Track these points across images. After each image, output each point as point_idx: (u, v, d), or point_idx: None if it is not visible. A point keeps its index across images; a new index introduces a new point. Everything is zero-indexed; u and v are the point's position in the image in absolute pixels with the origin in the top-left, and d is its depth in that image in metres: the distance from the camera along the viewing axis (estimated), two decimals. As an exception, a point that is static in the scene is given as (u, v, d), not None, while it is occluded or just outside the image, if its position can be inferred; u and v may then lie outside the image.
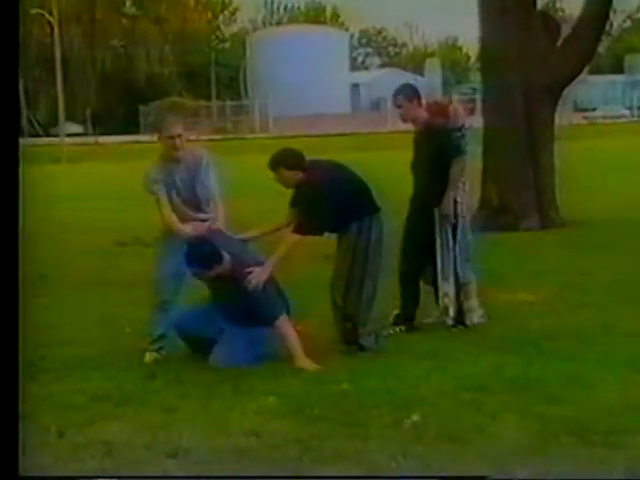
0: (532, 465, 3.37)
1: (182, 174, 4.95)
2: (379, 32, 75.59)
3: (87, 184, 19.60)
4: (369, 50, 76.73)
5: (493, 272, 6.55)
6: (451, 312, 5.59)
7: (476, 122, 10.30)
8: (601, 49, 44.67)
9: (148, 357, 5.00)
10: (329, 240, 5.11)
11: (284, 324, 4.74)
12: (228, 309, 4.87)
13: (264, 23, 68.91)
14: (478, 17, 10.67)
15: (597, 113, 47.71)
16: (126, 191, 12.51)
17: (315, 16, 68.83)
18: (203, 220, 4.95)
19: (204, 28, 60.31)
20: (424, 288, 5.74)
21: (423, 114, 5.60)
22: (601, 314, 5.75)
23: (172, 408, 4.16)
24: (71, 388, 4.51)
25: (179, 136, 4.89)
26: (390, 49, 76.55)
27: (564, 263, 7.73)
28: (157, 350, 5.04)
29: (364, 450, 3.58)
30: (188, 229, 4.85)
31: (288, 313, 4.84)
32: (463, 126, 5.69)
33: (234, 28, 66.51)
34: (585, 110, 47.72)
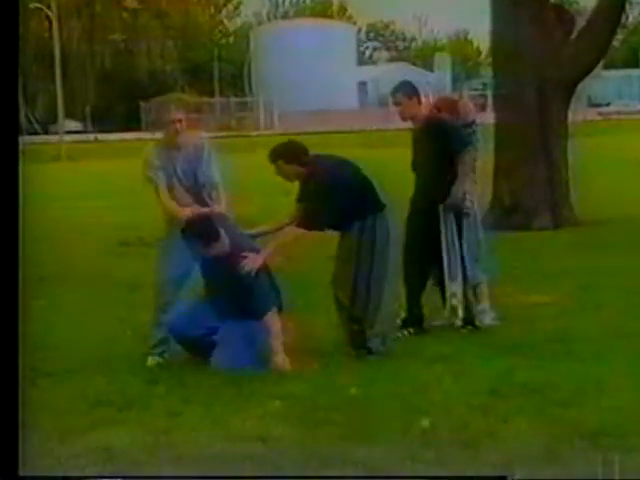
0: (545, 469, 3.35)
1: (183, 161, 4.89)
2: (387, 26, 75.51)
3: (87, 182, 19.57)
4: (377, 44, 76.66)
5: (505, 273, 6.48)
6: (460, 312, 5.51)
7: (487, 118, 10.20)
8: (616, 42, 44.29)
9: (150, 361, 4.95)
10: (335, 239, 5.04)
11: (272, 318, 4.70)
12: (220, 302, 4.80)
13: (269, 17, 68.81)
14: (489, 10, 10.57)
15: (612, 108, 47.39)
16: (127, 189, 12.48)
17: (321, 9, 68.71)
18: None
19: (207, 22, 60.25)
20: (433, 290, 5.66)
21: (423, 111, 5.51)
22: (616, 316, 5.69)
23: (175, 413, 4.11)
24: (72, 392, 4.47)
25: (180, 121, 4.83)
26: (398, 43, 76.45)
27: (578, 263, 7.64)
28: (160, 354, 4.99)
29: (373, 457, 3.52)
30: (187, 211, 4.79)
31: (281, 309, 4.80)
32: (474, 122, 5.63)
33: (238, 22, 66.58)
34: (599, 105, 47.48)
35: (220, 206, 4.86)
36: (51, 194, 13.70)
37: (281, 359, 4.65)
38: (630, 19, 59.62)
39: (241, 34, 63.00)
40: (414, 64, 61.85)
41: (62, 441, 3.80)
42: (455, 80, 55.02)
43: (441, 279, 5.54)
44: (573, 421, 3.79)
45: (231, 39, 65.01)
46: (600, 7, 10.45)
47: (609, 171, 15.47)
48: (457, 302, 5.50)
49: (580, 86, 11.09)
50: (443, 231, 5.45)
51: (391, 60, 70.14)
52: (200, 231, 4.66)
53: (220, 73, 57.18)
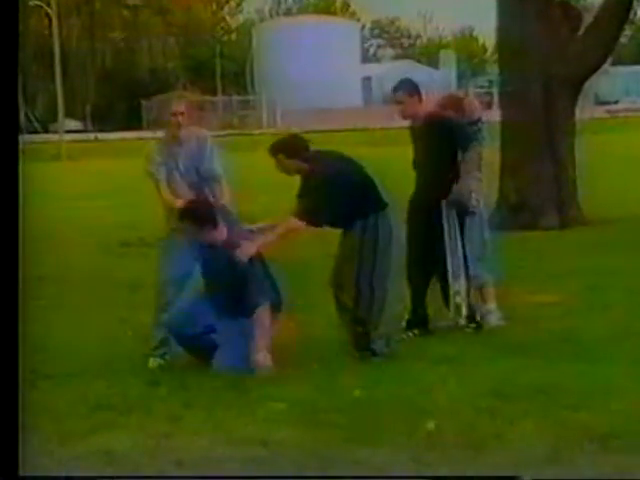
0: (553, 472, 3.31)
1: (185, 156, 4.87)
2: (392, 23, 75.34)
3: (88, 182, 19.56)
4: (381, 41, 76.51)
5: (511, 273, 6.43)
6: (464, 311, 5.47)
7: (493, 116, 10.13)
8: (624, 39, 43.89)
9: (152, 363, 4.93)
10: (336, 237, 5.01)
11: (263, 314, 4.64)
12: (217, 298, 4.75)
13: (271, 13, 68.60)
14: (495, 6, 10.50)
15: (619, 106, 47.14)
16: (128, 189, 12.46)
17: (325, 6, 68.55)
18: None
19: (209, 19, 60.15)
20: (437, 291, 5.62)
21: (424, 109, 5.45)
22: (624, 317, 5.64)
23: (177, 416, 4.07)
24: (72, 395, 4.43)
25: (182, 113, 4.80)
26: (403, 40, 76.29)
27: (585, 263, 7.59)
28: (161, 355, 4.96)
29: (378, 460, 3.49)
30: (186, 200, 4.74)
31: (278, 307, 4.75)
32: (479, 120, 5.58)
33: (240, 19, 66.36)
34: (607, 103, 47.21)
35: (223, 199, 4.83)
36: (51, 193, 13.69)
37: (262, 357, 4.58)
38: (638, 15, 59.19)
39: (243, 31, 62.87)
40: (419, 61, 61.69)
41: (62, 444, 3.77)
42: (461, 77, 54.82)
43: (445, 277, 5.49)
44: (581, 423, 3.75)
45: (233, 36, 64.89)
46: (607, 3, 10.38)
47: (617, 169, 15.38)
48: (461, 300, 5.46)
49: (587, 83, 11.03)
50: (446, 228, 5.40)
51: (396, 57, 70.00)
52: (197, 215, 4.62)
53: (222, 70, 57.08)
